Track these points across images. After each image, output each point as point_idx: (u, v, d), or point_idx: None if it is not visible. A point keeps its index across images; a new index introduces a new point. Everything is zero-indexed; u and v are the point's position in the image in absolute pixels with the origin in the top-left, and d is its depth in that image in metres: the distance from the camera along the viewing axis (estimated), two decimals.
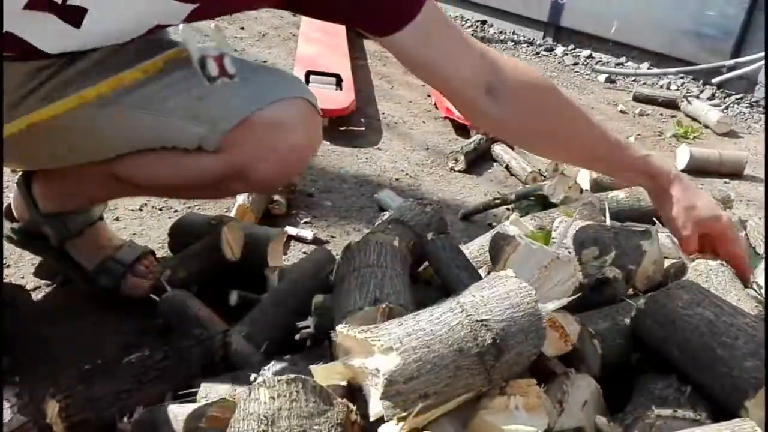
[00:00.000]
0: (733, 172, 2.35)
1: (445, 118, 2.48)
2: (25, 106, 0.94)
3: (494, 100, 0.98)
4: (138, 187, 1.07)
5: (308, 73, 2.40)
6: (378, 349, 0.62)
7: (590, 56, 3.99)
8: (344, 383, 0.70)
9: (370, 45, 3.37)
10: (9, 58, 0.86)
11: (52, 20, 0.80)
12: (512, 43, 4.19)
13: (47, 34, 0.84)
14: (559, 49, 4.09)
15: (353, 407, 0.65)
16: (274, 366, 0.83)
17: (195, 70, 0.83)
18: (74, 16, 0.81)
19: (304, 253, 1.43)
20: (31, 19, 0.79)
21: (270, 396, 0.60)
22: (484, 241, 1.27)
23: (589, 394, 0.76)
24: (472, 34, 4.26)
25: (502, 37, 4.32)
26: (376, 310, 0.76)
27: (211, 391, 0.86)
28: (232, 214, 1.43)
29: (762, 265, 1.26)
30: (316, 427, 0.59)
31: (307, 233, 1.49)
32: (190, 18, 0.89)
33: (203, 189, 1.04)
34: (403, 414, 0.60)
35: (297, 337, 0.93)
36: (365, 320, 0.76)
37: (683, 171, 2.30)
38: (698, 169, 2.31)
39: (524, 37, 4.33)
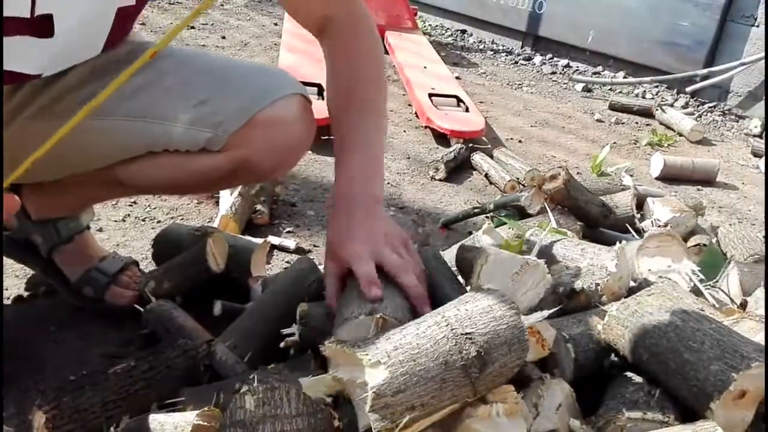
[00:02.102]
0: (706, 179, 2.42)
1: (426, 127, 2.52)
2: (18, 122, 0.96)
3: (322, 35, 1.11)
4: (138, 188, 1.09)
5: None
6: (366, 363, 0.65)
7: (568, 65, 4.07)
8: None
9: None
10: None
11: (27, 41, 0.81)
12: (491, 52, 4.25)
13: (28, 55, 0.85)
14: (537, 59, 4.16)
15: (336, 414, 0.67)
16: (258, 375, 0.84)
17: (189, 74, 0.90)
18: (45, 27, 0.82)
19: (287, 262, 1.45)
20: (8, 47, 0.80)
21: (255, 404, 0.62)
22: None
23: (563, 398, 0.79)
24: (452, 43, 4.33)
25: (481, 47, 4.39)
26: (371, 319, 0.79)
27: (196, 401, 0.88)
28: (216, 224, 1.44)
29: (732, 269, 1.31)
30: None
31: (290, 243, 1.51)
32: None
33: (205, 184, 1.08)
34: (391, 426, 0.62)
35: (282, 345, 0.95)
36: (360, 329, 0.78)
37: (657, 178, 2.37)
38: (671, 177, 2.37)
39: (503, 46, 4.40)
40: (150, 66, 1.00)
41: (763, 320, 0.96)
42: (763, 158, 2.70)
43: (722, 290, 1.27)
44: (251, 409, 0.63)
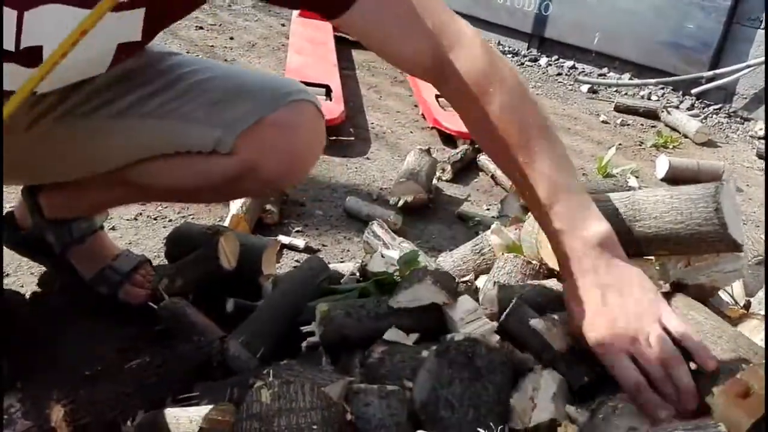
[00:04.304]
0: (710, 181, 2.42)
1: (432, 128, 2.54)
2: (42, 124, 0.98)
3: (443, 78, 0.89)
4: (149, 191, 1.11)
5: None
6: None
7: (573, 67, 4.08)
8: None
9: (359, 55, 3.42)
10: None
11: (15, 69, 0.77)
12: None
13: (18, 82, 0.83)
14: (543, 60, 4.17)
15: (348, 408, 0.69)
16: (273, 370, 0.87)
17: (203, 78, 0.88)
18: (33, 58, 0.77)
19: (297, 261, 1.48)
20: None
21: (271, 398, 0.64)
22: (466, 250, 1.33)
23: (556, 387, 0.81)
24: None
25: None
26: None
27: (210, 395, 0.90)
28: (226, 223, 1.47)
29: None
30: (314, 427, 0.63)
31: (299, 242, 1.53)
32: (147, 26, 0.85)
33: (214, 191, 1.09)
34: None
35: (304, 344, 0.97)
36: None
37: (662, 180, 2.38)
38: (676, 178, 2.38)
39: (509, 47, 4.41)
40: (168, 71, 1.03)
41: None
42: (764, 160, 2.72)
43: (726, 291, 1.28)
44: (267, 403, 0.65)
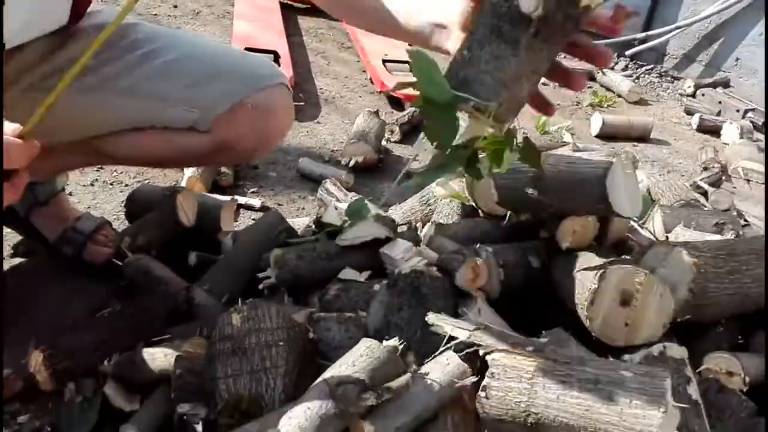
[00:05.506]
0: (641, 136, 2.60)
1: (380, 92, 2.61)
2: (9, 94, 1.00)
3: None
4: (119, 159, 1.15)
5: (246, 51, 2.47)
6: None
7: None
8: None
9: (305, 22, 3.43)
10: None
11: None
12: None
13: None
14: None
15: (311, 328, 0.78)
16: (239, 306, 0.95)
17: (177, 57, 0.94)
18: None
19: (253, 220, 1.54)
20: None
21: (241, 320, 0.73)
22: (414, 202, 1.43)
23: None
24: None
25: None
26: None
27: (180, 336, 0.97)
28: (183, 184, 1.52)
29: (656, 212, 1.47)
30: (281, 343, 0.72)
31: (255, 202, 1.60)
32: None
33: (186, 160, 1.14)
34: None
35: (260, 287, 1.05)
36: None
37: (596, 137, 2.53)
38: (610, 135, 2.54)
39: None
40: (143, 44, 1.06)
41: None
42: (696, 115, 2.90)
43: (648, 229, 1.43)
44: (237, 325, 0.73)
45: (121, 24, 1.09)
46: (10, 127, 0.62)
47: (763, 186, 1.98)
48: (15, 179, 0.63)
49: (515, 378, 0.71)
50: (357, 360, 0.68)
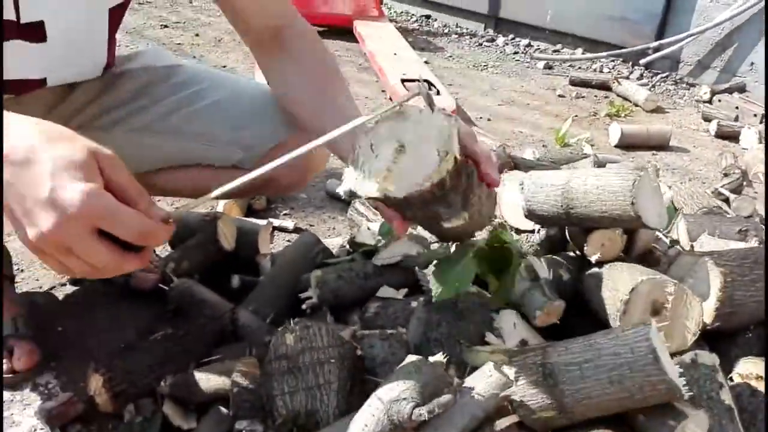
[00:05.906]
0: (660, 144, 2.62)
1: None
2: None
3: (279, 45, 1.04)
4: (166, 192, 1.22)
5: None
6: None
7: (529, 45, 4.25)
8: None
9: None
10: (14, 100, 0.94)
11: (20, 45, 0.86)
12: (456, 36, 4.41)
13: (27, 60, 0.92)
14: (500, 40, 4.33)
15: (358, 345, 0.83)
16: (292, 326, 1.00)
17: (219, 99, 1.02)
18: (36, 33, 0.88)
19: (288, 241, 1.60)
20: (6, 52, 0.85)
21: (295, 340, 0.78)
22: None
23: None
24: (417, 28, 4.46)
25: (446, 31, 4.54)
26: None
27: (230, 357, 1.02)
28: (220, 209, 1.58)
29: (681, 220, 1.50)
30: (332, 361, 0.77)
31: (289, 224, 1.66)
32: None
33: (233, 195, 1.21)
34: None
35: (303, 306, 1.11)
36: None
37: (615, 146, 2.56)
38: (628, 144, 2.57)
39: (467, 29, 4.56)
40: (189, 85, 1.13)
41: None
42: (714, 122, 2.92)
43: (672, 238, 1.46)
44: (291, 344, 0.78)
45: (167, 65, 1.17)
46: (161, 213, 0.66)
47: None
48: (144, 252, 0.66)
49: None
50: (406, 377, 0.73)
